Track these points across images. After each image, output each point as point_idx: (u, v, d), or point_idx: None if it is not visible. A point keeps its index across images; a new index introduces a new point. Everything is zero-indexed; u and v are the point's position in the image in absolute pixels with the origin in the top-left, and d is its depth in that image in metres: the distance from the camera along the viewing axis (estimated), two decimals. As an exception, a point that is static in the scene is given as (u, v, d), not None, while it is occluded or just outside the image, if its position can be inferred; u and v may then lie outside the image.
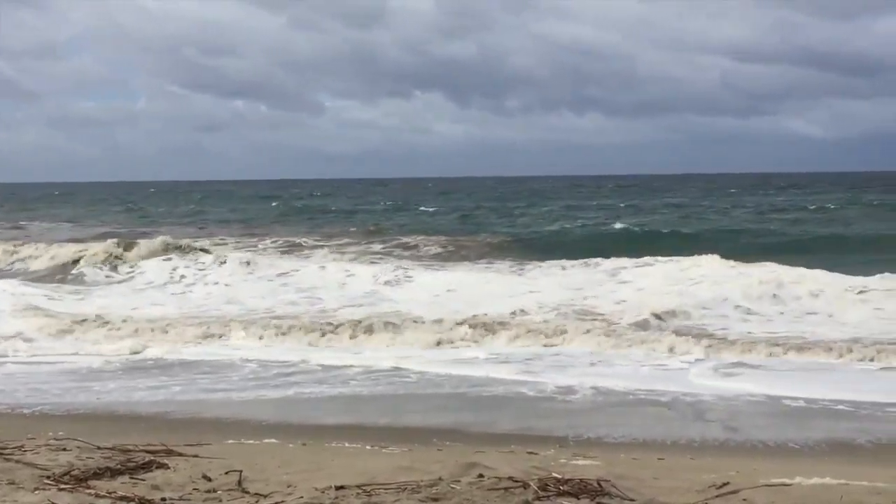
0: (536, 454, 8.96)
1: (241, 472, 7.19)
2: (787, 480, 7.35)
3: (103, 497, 6.47)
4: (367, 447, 9.67)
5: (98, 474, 7.13)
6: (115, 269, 30.16)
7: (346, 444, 9.95)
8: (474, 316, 19.47)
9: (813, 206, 57.79)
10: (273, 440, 10.28)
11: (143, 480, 7.01)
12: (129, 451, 8.02)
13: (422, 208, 68.19)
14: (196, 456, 8.03)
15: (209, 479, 7.07)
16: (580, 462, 8.44)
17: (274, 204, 79.75)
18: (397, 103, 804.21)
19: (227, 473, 7.21)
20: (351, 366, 15.58)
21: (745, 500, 6.56)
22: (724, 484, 7.05)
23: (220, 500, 6.58)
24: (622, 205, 67.73)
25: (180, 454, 8.06)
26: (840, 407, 12.30)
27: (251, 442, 10.10)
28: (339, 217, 59.26)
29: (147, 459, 7.64)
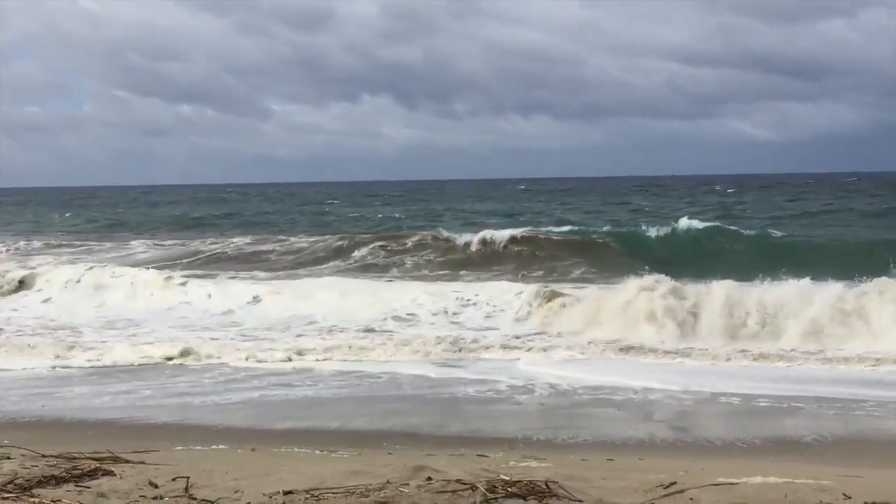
0: (486, 457, 8.97)
1: (188, 478, 7.11)
2: (734, 480, 7.41)
3: (47, 505, 6.39)
4: (317, 452, 9.63)
5: (42, 482, 7.03)
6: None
7: (296, 449, 9.89)
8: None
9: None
10: (222, 446, 10.22)
11: (89, 488, 6.92)
12: (75, 458, 7.91)
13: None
14: (143, 462, 7.93)
15: (156, 486, 7.00)
16: (529, 464, 8.46)
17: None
18: (345, 107, 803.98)
19: (174, 480, 7.13)
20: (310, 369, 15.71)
21: (691, 499, 6.59)
22: (672, 484, 7.08)
23: (167, 507, 6.52)
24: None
25: (127, 461, 7.96)
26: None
27: (200, 448, 10.01)
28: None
29: (93, 467, 7.53)
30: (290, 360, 16.59)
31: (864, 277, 19.21)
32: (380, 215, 55.94)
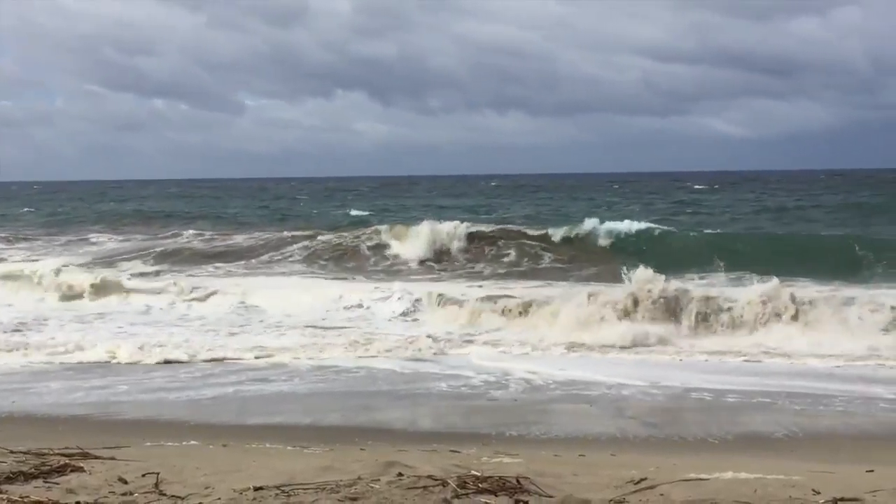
0: (459, 452, 8.99)
1: (158, 474, 7.09)
2: (704, 475, 7.44)
3: (16, 502, 6.34)
4: (289, 448, 9.60)
5: (10, 479, 6.98)
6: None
7: (268, 445, 9.87)
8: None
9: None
10: (194, 442, 10.19)
11: (58, 484, 6.88)
12: (44, 454, 7.87)
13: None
14: (113, 459, 7.90)
15: (125, 482, 6.96)
16: (502, 460, 8.48)
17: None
18: (319, 103, 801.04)
19: (143, 476, 7.11)
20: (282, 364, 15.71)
21: (662, 494, 6.61)
22: (642, 479, 7.10)
23: (136, 503, 6.49)
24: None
25: (97, 457, 7.93)
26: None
27: (171, 444, 9.99)
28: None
29: (62, 463, 7.49)
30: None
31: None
32: (340, 211, 55.49)
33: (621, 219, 34.03)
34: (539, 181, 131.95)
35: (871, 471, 8.15)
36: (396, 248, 31.90)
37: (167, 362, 15.98)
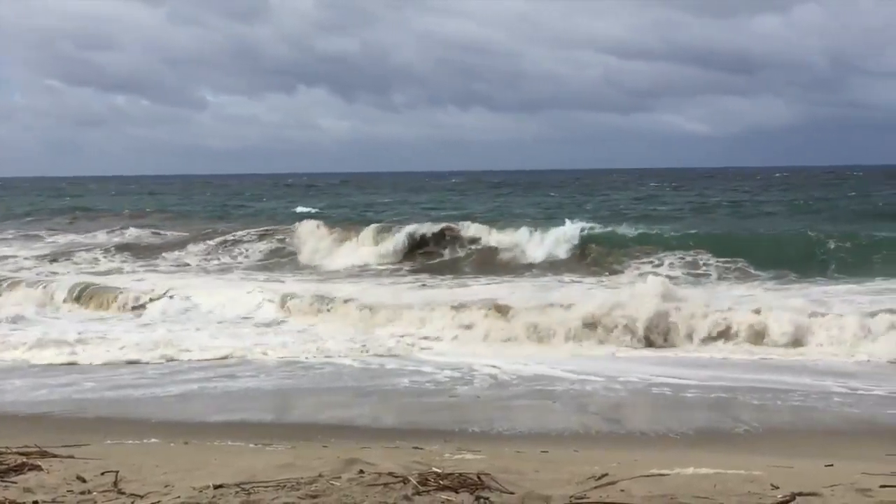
0: (421, 449, 8.97)
1: (117, 472, 7.04)
2: (665, 471, 7.47)
3: (-28, 501, 6.29)
4: (251, 445, 9.56)
5: (-33, 478, 6.92)
6: None
7: (230, 443, 9.83)
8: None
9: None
10: (155, 439, 10.12)
11: (15, 483, 6.81)
12: (1, 453, 7.80)
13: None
14: (71, 457, 7.84)
15: (84, 481, 6.91)
16: (464, 456, 8.47)
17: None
18: (281, 99, 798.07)
19: (102, 474, 7.05)
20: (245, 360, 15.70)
21: (622, 490, 6.63)
22: (604, 475, 7.12)
23: (95, 502, 6.42)
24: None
25: (55, 455, 7.86)
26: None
27: (132, 442, 9.92)
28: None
29: (19, 462, 7.43)
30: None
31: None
32: (279, 208, 55.20)
33: (578, 216, 34.16)
34: (499, 177, 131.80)
35: (830, 465, 8.22)
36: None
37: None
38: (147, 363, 15.56)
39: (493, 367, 14.78)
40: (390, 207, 54.51)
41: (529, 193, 73.01)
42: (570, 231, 29.42)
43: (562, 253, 28.53)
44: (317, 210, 49.49)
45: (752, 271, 24.98)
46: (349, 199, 69.70)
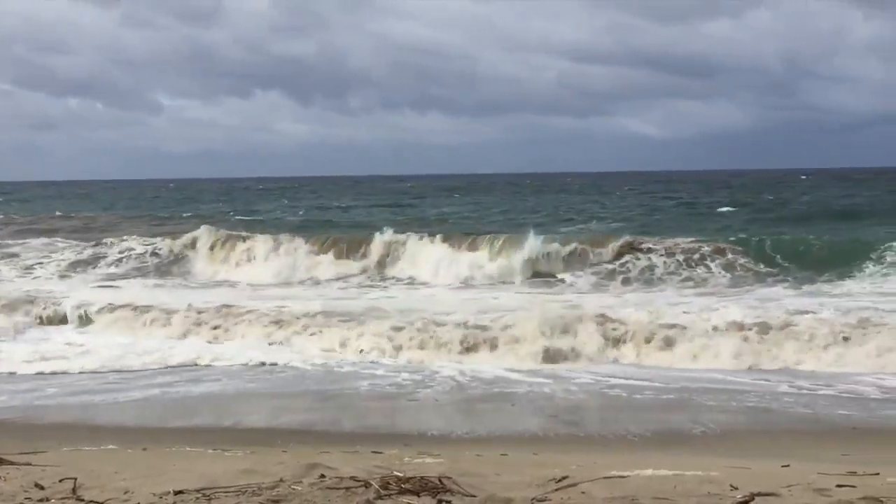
0: (381, 453, 8.97)
1: (75, 479, 6.97)
2: (625, 473, 7.51)
3: (-73, 510, 6.21)
4: (210, 451, 9.50)
5: (-78, 487, 6.83)
6: None
7: (188, 448, 9.76)
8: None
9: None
10: (112, 446, 10.03)
11: (-29, 491, 6.75)
12: (-43, 461, 7.70)
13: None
14: (28, 464, 7.75)
15: (42, 488, 6.83)
16: (424, 460, 8.49)
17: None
18: (237, 102, 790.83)
19: (61, 481, 6.98)
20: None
21: (583, 493, 6.66)
22: (564, 477, 7.15)
23: (53, 509, 6.38)
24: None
25: (12, 462, 7.77)
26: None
27: (89, 448, 9.81)
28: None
29: (-25, 469, 7.35)
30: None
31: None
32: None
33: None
34: (456, 181, 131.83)
35: (787, 466, 8.32)
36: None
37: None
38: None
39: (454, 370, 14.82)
40: (335, 212, 54.51)
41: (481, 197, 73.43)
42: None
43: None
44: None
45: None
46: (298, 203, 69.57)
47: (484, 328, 17.07)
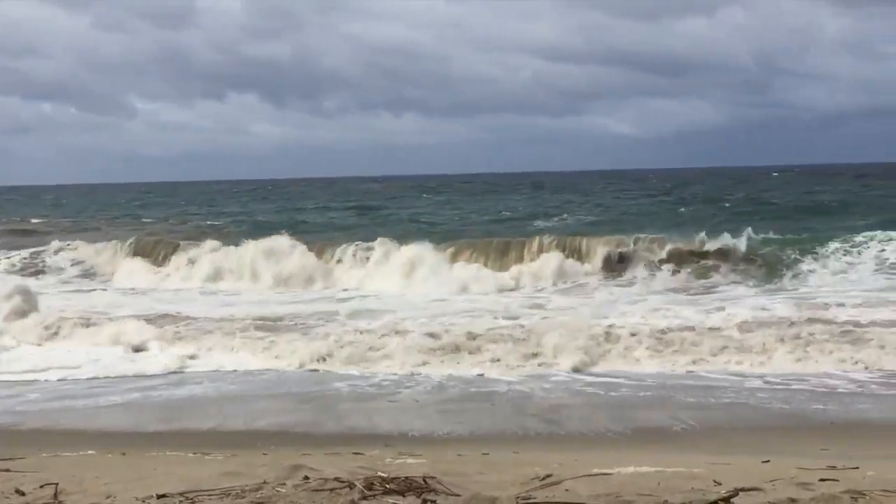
0: (362, 454, 8.97)
1: (56, 484, 6.92)
2: (608, 470, 7.53)
3: None
4: (190, 454, 9.46)
5: None
6: None
7: (168, 452, 9.70)
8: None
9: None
10: (91, 451, 9.94)
11: (-49, 498, 6.69)
12: (-65, 468, 7.64)
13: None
14: (8, 470, 7.69)
15: (23, 494, 6.78)
16: (406, 461, 8.48)
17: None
18: (212, 105, 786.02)
19: (42, 487, 6.92)
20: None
21: (567, 490, 6.67)
22: (547, 476, 7.16)
23: (35, 514, 6.33)
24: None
25: (-9, 469, 7.72)
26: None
27: (69, 454, 9.73)
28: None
29: (-46, 476, 7.29)
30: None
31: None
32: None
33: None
34: (431, 182, 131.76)
35: (768, 461, 8.36)
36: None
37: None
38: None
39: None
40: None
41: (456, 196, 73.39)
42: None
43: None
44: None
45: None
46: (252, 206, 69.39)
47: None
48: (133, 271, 30.73)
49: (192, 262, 30.39)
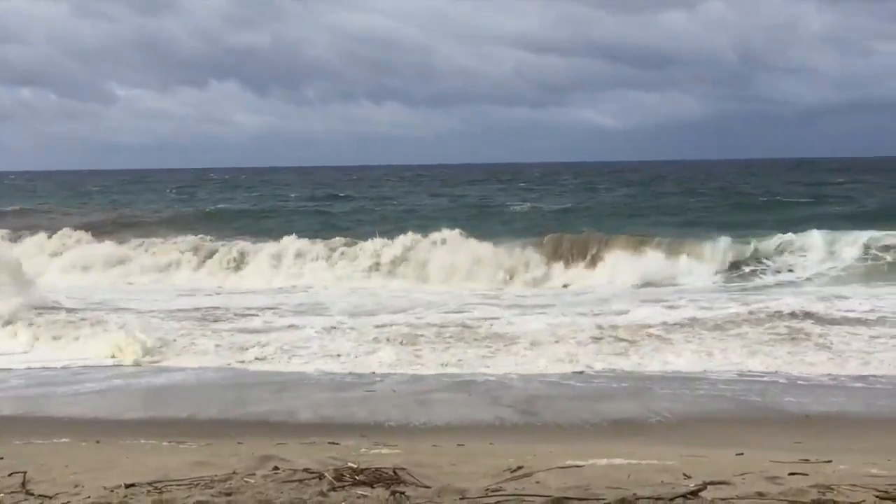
0: (337, 444, 8.97)
1: (25, 473, 6.89)
2: (580, 462, 7.54)
3: None
4: (165, 443, 9.43)
5: None
6: None
7: (143, 441, 9.67)
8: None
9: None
10: (65, 439, 9.92)
11: (-82, 486, 6.64)
12: None
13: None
14: (-23, 458, 7.67)
15: (-10, 482, 6.76)
16: (380, 451, 8.47)
17: None
18: (192, 93, 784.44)
19: (10, 475, 6.90)
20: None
21: (538, 482, 6.67)
22: (519, 467, 7.16)
23: (2, 503, 6.30)
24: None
25: (-40, 457, 7.68)
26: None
27: (40, 442, 9.70)
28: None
29: (-77, 464, 7.25)
30: None
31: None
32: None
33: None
34: (410, 172, 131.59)
35: (741, 454, 8.39)
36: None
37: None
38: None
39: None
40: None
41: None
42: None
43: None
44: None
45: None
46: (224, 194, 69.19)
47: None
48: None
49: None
